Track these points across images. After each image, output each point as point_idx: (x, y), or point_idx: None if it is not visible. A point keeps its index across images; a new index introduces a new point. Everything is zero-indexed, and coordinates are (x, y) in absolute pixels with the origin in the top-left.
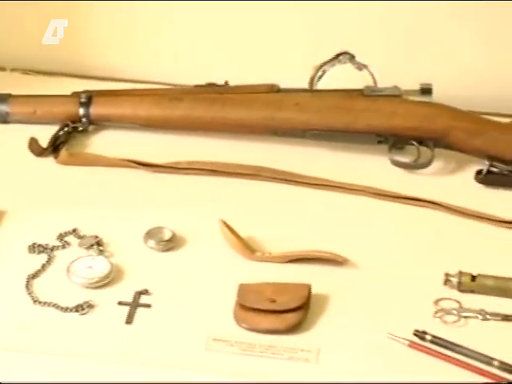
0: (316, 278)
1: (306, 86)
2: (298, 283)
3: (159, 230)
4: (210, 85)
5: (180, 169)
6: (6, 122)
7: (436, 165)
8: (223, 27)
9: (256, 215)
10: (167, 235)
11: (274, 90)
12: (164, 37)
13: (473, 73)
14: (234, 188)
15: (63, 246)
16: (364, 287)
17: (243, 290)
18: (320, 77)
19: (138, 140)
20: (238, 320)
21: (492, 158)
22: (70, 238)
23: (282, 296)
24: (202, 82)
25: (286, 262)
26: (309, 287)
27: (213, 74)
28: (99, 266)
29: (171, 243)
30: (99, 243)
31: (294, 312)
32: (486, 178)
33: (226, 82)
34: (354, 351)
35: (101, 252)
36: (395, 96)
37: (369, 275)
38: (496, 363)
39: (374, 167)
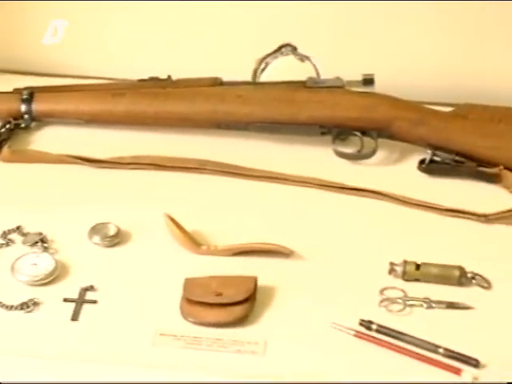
0: (262, 270)
1: (249, 78)
2: (244, 276)
3: (104, 225)
4: (153, 79)
5: (124, 164)
6: None
7: (379, 155)
8: (165, 21)
9: (201, 209)
10: (112, 231)
11: (216, 83)
12: (106, 31)
13: (414, 63)
14: (179, 182)
15: (7, 244)
16: (310, 278)
17: (189, 283)
18: (263, 69)
19: (81, 136)
20: (185, 314)
21: (434, 147)
22: (14, 236)
23: (228, 289)
24: (145, 77)
25: (232, 255)
26: (255, 280)
27: (155, 68)
28: (44, 263)
29: (116, 239)
30: (43, 240)
31: (240, 305)
32: (429, 167)
33: (169, 76)
34: (300, 342)
35: (45, 249)
36: (338, 87)
37: (315, 266)
38: (441, 351)
39: (318, 158)
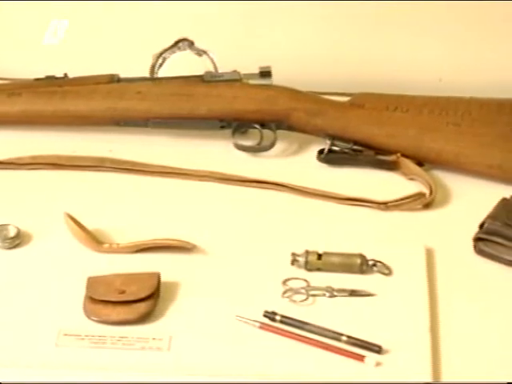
0: (165, 266)
1: (146, 74)
2: (146, 272)
3: (3, 227)
4: (49, 78)
5: (23, 164)
6: None
7: (279, 147)
8: (61, 18)
9: (102, 207)
10: (12, 232)
11: (114, 80)
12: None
13: (311, 54)
14: (78, 181)
15: None
16: (213, 272)
17: (92, 282)
18: (160, 65)
19: None
20: (88, 313)
21: (332, 137)
22: None
23: (131, 286)
24: (41, 76)
25: (135, 252)
26: (158, 276)
27: (51, 67)
28: None
29: (17, 240)
30: None
31: (144, 301)
32: (328, 157)
33: (66, 75)
34: (205, 336)
35: None
36: (235, 80)
37: (218, 260)
38: (344, 338)
39: (218, 152)
